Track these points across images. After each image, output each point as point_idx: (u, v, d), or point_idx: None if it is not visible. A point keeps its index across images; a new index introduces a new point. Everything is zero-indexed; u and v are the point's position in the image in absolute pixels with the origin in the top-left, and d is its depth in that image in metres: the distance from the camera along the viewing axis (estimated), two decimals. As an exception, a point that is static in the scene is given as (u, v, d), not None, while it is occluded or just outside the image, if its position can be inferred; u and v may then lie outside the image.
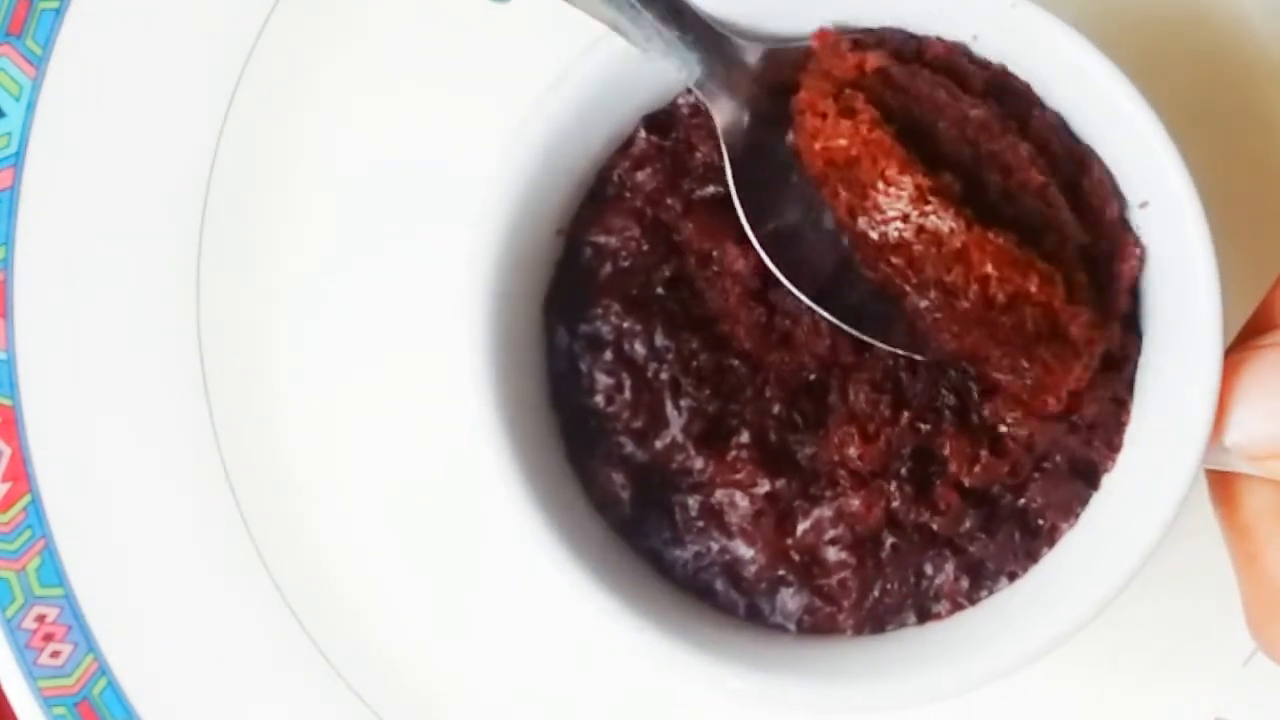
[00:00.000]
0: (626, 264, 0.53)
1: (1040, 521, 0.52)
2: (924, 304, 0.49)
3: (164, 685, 0.61)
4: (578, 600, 0.50)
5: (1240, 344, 0.50)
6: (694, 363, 0.52)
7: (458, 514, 0.61)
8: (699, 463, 0.52)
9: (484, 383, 0.51)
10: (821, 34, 0.51)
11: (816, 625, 0.52)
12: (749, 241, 0.50)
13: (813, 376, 0.52)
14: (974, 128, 0.49)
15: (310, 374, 0.61)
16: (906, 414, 0.51)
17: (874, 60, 0.49)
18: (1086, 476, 0.52)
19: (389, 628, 0.61)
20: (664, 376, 0.52)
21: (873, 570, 0.52)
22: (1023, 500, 0.52)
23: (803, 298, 0.50)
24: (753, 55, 0.51)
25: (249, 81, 0.61)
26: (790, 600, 0.53)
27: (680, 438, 0.52)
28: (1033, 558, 0.52)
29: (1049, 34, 0.50)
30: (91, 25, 0.60)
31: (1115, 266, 0.50)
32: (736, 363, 0.53)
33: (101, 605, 0.61)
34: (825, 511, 0.52)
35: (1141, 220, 0.51)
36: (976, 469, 0.51)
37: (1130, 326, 0.52)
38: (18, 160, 0.61)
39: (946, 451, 0.51)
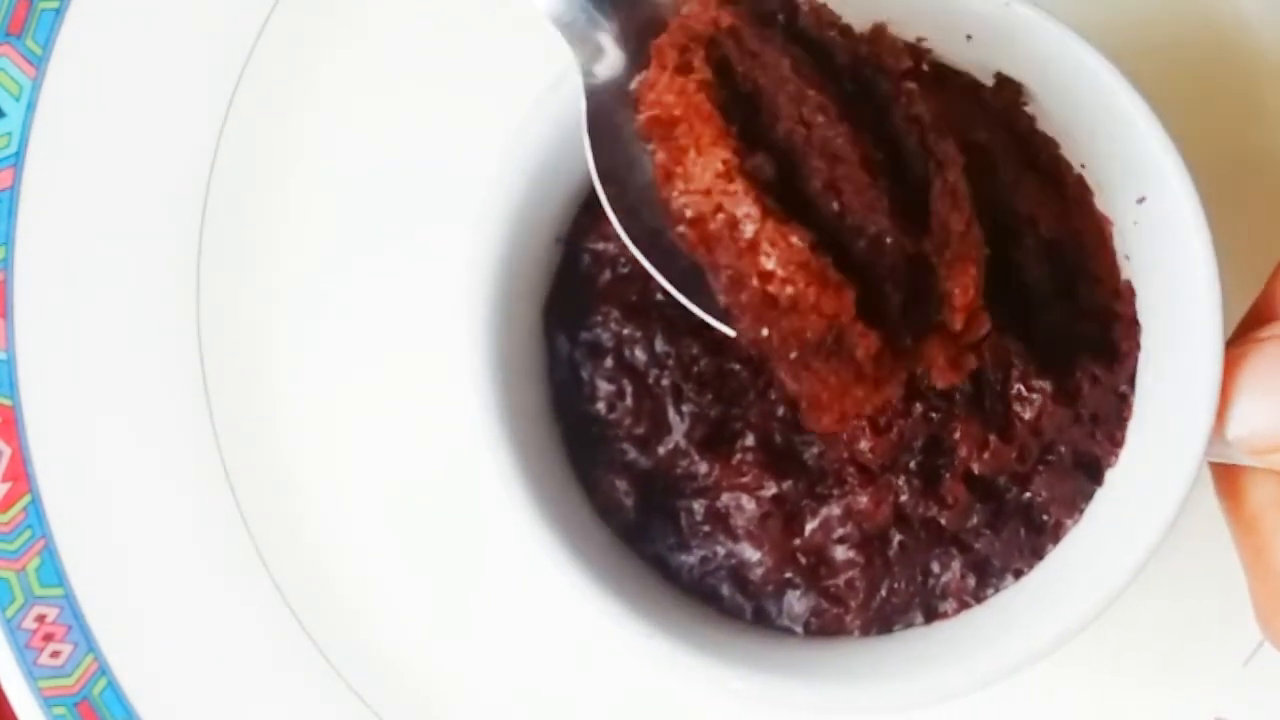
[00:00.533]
0: (625, 270, 0.53)
1: (1045, 517, 0.52)
2: (717, 285, 0.46)
3: (164, 685, 0.61)
4: (586, 608, 0.50)
5: (1240, 337, 0.50)
6: (695, 368, 0.52)
7: (458, 514, 0.61)
8: (703, 467, 0.52)
9: (486, 392, 0.51)
10: None
11: (823, 627, 0.53)
12: None
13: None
14: (811, 108, 0.46)
15: (310, 374, 0.61)
16: (919, 405, 0.51)
17: (728, 17, 0.46)
18: (1090, 471, 0.52)
19: (389, 628, 0.61)
20: (665, 382, 0.52)
21: (880, 569, 0.52)
22: (1028, 494, 0.52)
23: (632, 247, 0.48)
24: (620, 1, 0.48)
25: (249, 81, 0.61)
26: (797, 602, 0.53)
27: (683, 443, 0.52)
28: (1038, 554, 0.52)
29: (1044, 33, 0.50)
30: (91, 25, 0.60)
31: (949, 287, 0.46)
32: (738, 367, 0.53)
33: (101, 605, 0.61)
34: (833, 510, 0.52)
35: (1141, 218, 0.51)
36: (986, 455, 0.51)
37: (1132, 320, 0.52)
38: (18, 160, 0.61)
39: (957, 436, 0.51)
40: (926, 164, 0.46)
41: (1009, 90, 0.52)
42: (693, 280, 0.47)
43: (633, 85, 0.47)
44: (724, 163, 0.44)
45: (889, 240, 0.45)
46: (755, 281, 0.44)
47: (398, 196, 0.61)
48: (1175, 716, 0.60)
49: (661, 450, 0.53)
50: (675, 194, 0.45)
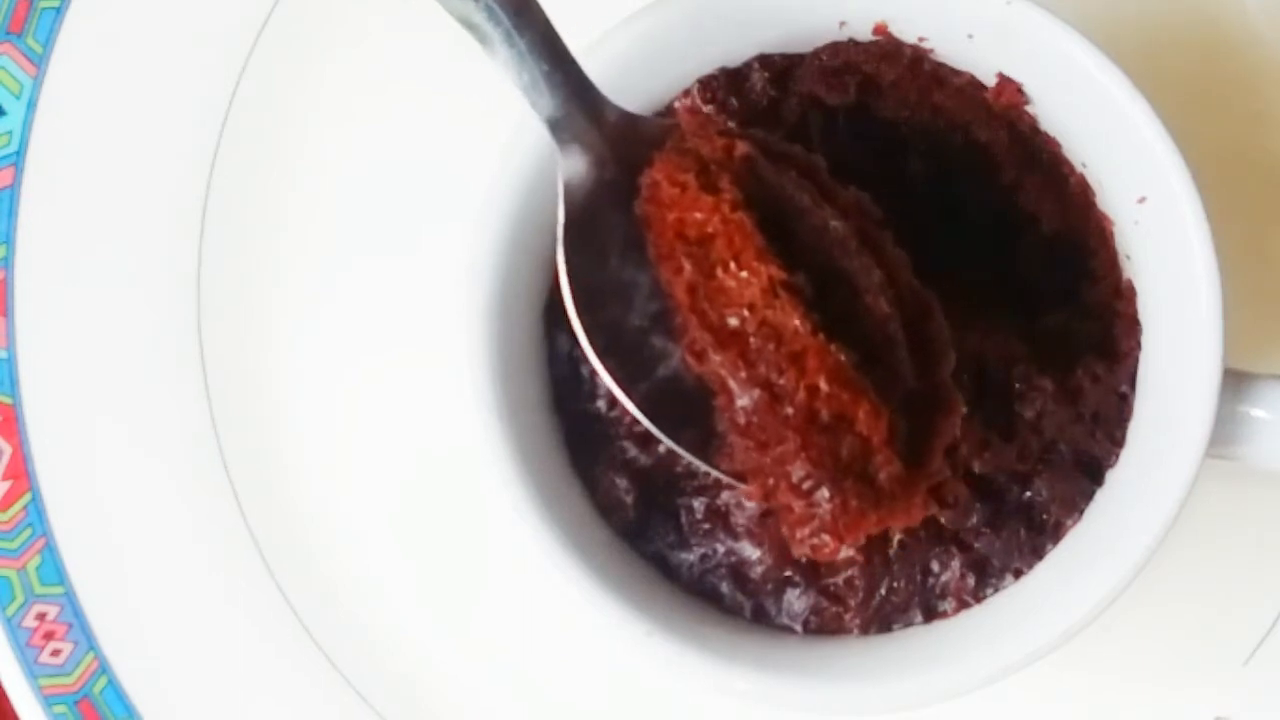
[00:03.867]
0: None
1: (1045, 517, 0.52)
2: (743, 402, 0.46)
3: (164, 684, 0.61)
4: (585, 606, 0.51)
5: None
6: None
7: (458, 513, 0.61)
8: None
9: (486, 391, 0.51)
10: (689, 111, 0.50)
11: (823, 626, 0.53)
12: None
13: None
14: (832, 240, 0.47)
15: (310, 373, 0.61)
16: None
17: (743, 147, 0.47)
18: (1090, 471, 0.52)
19: (389, 627, 0.61)
20: None
21: (880, 568, 0.52)
22: (1028, 494, 0.52)
23: (603, 372, 0.49)
24: (614, 114, 0.49)
25: (249, 81, 0.61)
26: (797, 601, 0.53)
27: None
28: (1038, 554, 0.52)
29: (1045, 32, 0.50)
30: (91, 25, 0.60)
31: (940, 421, 0.47)
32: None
33: (101, 604, 0.61)
34: None
35: (1141, 218, 0.51)
36: (986, 454, 0.51)
37: (1132, 319, 0.52)
38: (18, 159, 0.61)
39: (957, 435, 0.51)
40: (915, 304, 0.48)
41: (1010, 90, 0.52)
42: (663, 402, 0.48)
43: (637, 208, 0.48)
44: (770, 278, 0.45)
45: (905, 370, 0.46)
46: (803, 395, 0.45)
47: (398, 196, 0.61)
48: (1175, 716, 0.60)
49: (662, 448, 0.53)
50: (709, 311, 0.46)
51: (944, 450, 0.47)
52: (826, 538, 0.46)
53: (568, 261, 0.48)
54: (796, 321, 0.45)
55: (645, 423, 0.49)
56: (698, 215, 0.46)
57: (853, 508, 0.45)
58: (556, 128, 0.48)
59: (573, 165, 0.49)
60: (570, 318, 0.48)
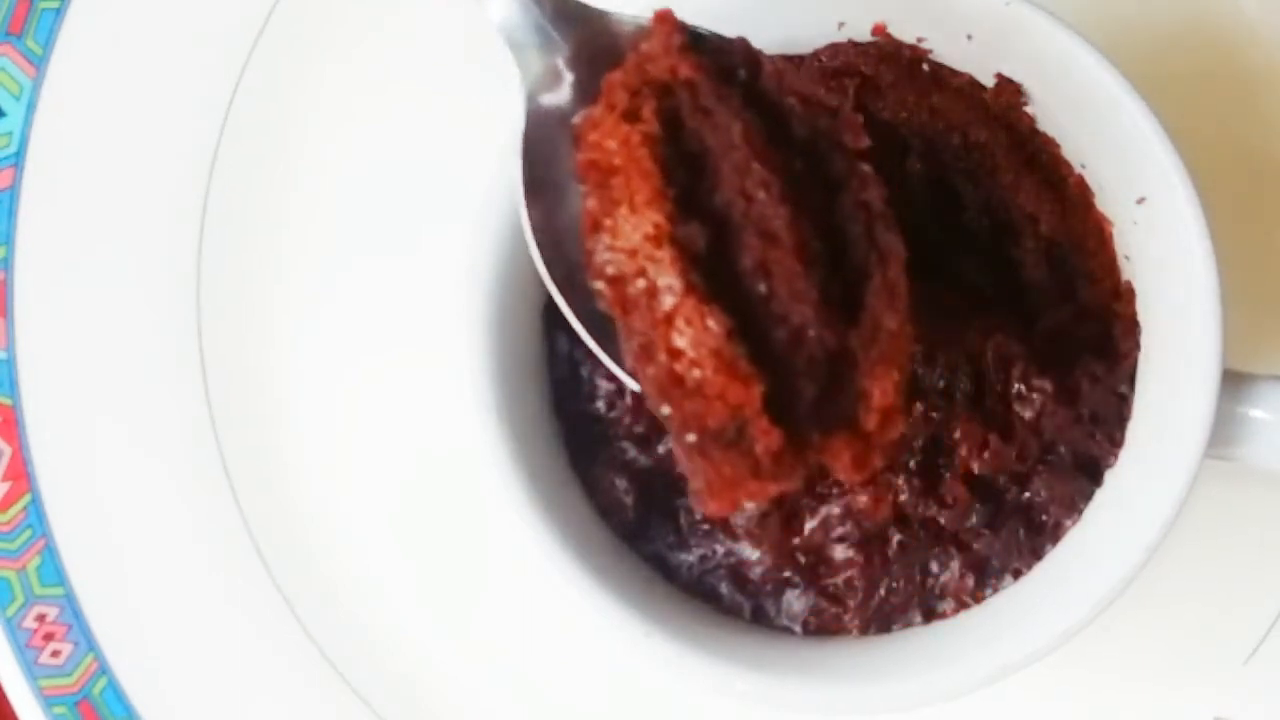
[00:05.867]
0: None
1: (1044, 517, 0.52)
2: (623, 345, 0.44)
3: (164, 684, 0.61)
4: (584, 606, 0.51)
5: None
6: None
7: (458, 514, 0.61)
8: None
9: (486, 391, 0.51)
10: (662, 15, 0.45)
11: (822, 626, 0.53)
12: None
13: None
14: (754, 182, 0.43)
15: (310, 373, 0.62)
16: (919, 405, 0.51)
17: (687, 68, 0.44)
18: (1090, 471, 0.52)
19: (389, 627, 0.61)
20: None
21: (879, 568, 0.52)
22: (1027, 494, 0.52)
23: (548, 281, 0.46)
24: (579, 15, 0.46)
25: (249, 82, 0.61)
26: (796, 601, 0.53)
27: None
28: (1037, 554, 0.52)
29: (1044, 33, 0.50)
30: (91, 25, 0.60)
31: (869, 386, 0.43)
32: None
33: (101, 605, 0.61)
34: (833, 509, 0.52)
35: (1140, 218, 0.51)
36: (986, 455, 0.51)
37: (1132, 320, 0.52)
38: (18, 160, 0.61)
39: (957, 436, 0.51)
40: (869, 255, 0.44)
41: (1009, 90, 0.52)
42: (607, 324, 0.45)
43: (577, 119, 0.45)
44: (655, 226, 0.42)
45: (811, 332, 0.43)
46: (664, 357, 0.42)
47: (398, 196, 0.61)
48: (1175, 716, 0.59)
49: (661, 449, 0.53)
50: (600, 247, 0.43)
51: (887, 408, 0.44)
52: (710, 501, 0.43)
53: (528, 182, 0.46)
54: (672, 280, 0.42)
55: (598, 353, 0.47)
56: (611, 144, 0.43)
57: (726, 474, 0.42)
58: (519, 47, 0.46)
59: (535, 81, 0.46)
60: (530, 246, 0.46)
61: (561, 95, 0.47)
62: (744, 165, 0.43)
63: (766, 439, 0.42)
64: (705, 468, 0.42)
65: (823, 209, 0.44)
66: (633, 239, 0.42)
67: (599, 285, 0.43)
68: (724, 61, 0.45)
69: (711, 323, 0.42)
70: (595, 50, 0.46)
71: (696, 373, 0.42)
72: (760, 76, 0.45)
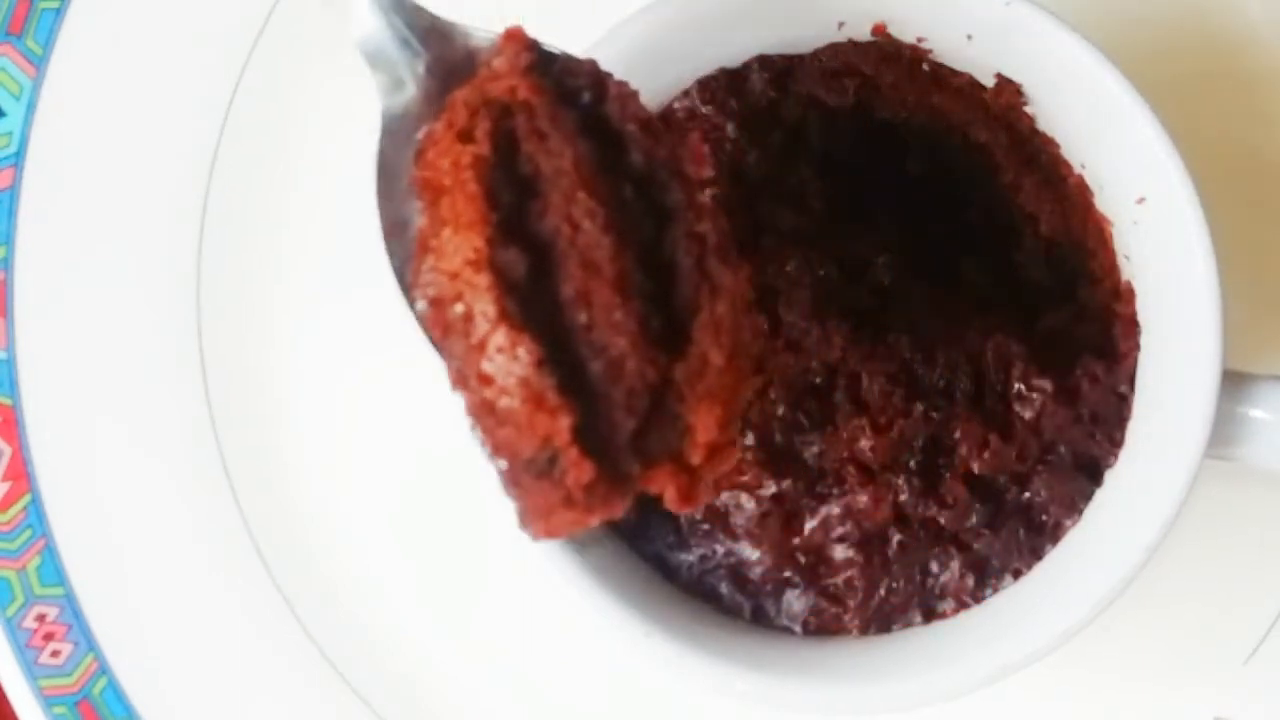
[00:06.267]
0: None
1: (1044, 517, 0.52)
2: (446, 367, 0.43)
3: (164, 685, 0.61)
4: (584, 606, 0.51)
5: None
6: None
7: (458, 514, 0.61)
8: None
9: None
10: (512, 33, 0.45)
11: (822, 626, 0.53)
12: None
13: (818, 380, 0.52)
14: (580, 210, 0.42)
15: (310, 373, 0.62)
16: (920, 405, 0.51)
17: (525, 90, 0.44)
18: (1090, 471, 0.52)
19: (389, 627, 0.61)
20: None
21: (879, 568, 0.52)
22: (1027, 494, 0.52)
23: (402, 296, 0.46)
24: (434, 34, 0.46)
25: (249, 81, 0.61)
26: (796, 602, 0.53)
27: None
28: (1037, 554, 0.52)
29: (1044, 33, 0.50)
30: (91, 25, 0.60)
31: (693, 421, 0.43)
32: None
33: (101, 605, 0.61)
34: (832, 509, 0.52)
35: (1141, 218, 0.51)
36: (986, 454, 0.51)
37: (1132, 320, 0.52)
38: (18, 160, 0.61)
39: (957, 435, 0.51)
40: (700, 288, 0.44)
41: (1009, 90, 0.52)
42: None
43: (419, 134, 0.45)
44: (475, 250, 0.42)
45: (630, 364, 0.42)
46: (475, 383, 0.42)
47: (398, 196, 0.61)
48: (1175, 716, 0.59)
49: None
50: (425, 267, 0.43)
51: (711, 445, 0.43)
52: (531, 525, 0.43)
53: (381, 195, 0.46)
54: (486, 306, 0.41)
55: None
56: (444, 163, 0.43)
57: (539, 504, 0.42)
58: (374, 55, 0.46)
59: (390, 91, 0.46)
60: (384, 254, 0.46)
61: (417, 107, 0.47)
62: (571, 193, 0.43)
63: (577, 471, 0.41)
64: (518, 496, 0.42)
65: (653, 240, 0.44)
66: (454, 262, 0.42)
67: (420, 306, 0.43)
68: (568, 84, 0.45)
69: (521, 351, 0.41)
70: (451, 64, 0.46)
71: (506, 401, 0.42)
72: (605, 101, 0.45)
